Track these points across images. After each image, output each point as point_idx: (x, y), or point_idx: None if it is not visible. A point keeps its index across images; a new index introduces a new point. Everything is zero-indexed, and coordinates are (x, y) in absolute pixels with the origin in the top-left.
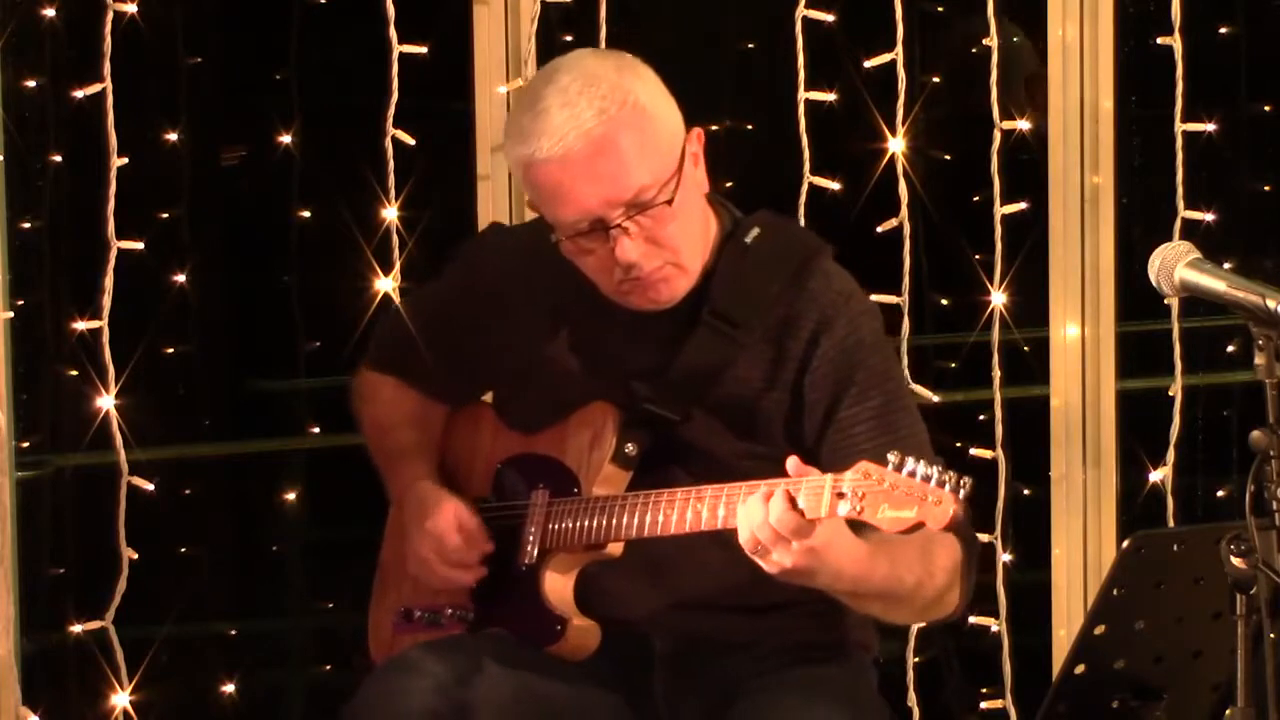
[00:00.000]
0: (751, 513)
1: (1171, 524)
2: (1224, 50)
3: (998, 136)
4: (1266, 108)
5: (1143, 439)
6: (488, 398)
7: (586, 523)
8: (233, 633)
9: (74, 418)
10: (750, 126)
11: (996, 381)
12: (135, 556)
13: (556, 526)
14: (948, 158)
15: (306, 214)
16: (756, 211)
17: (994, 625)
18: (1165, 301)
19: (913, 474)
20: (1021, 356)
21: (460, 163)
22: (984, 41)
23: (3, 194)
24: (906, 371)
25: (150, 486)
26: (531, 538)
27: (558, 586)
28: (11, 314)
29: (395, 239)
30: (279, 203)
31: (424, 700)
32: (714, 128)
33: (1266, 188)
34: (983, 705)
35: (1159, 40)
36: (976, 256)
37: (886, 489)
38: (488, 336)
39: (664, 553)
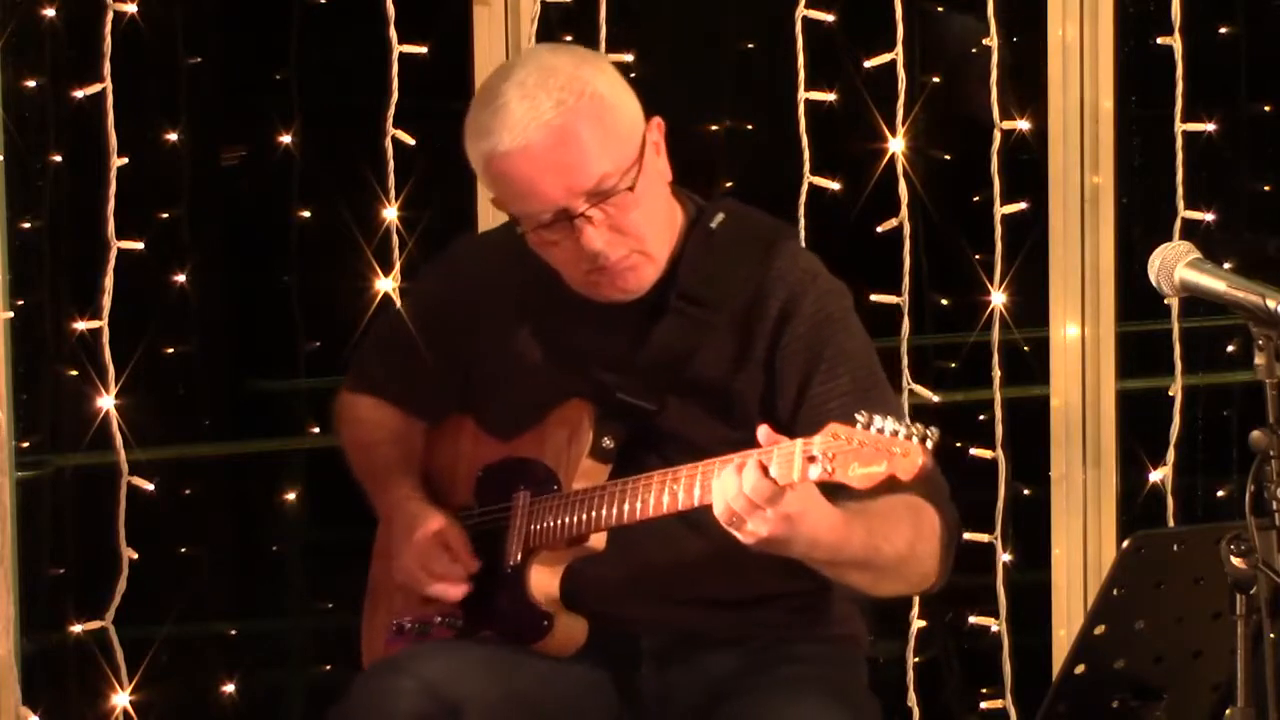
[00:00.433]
0: (725, 484)
1: (1171, 524)
2: (1224, 50)
3: (998, 136)
4: (1266, 108)
5: (1143, 439)
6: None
7: (567, 518)
8: (233, 633)
9: (74, 418)
10: (750, 126)
11: (996, 381)
12: (135, 556)
13: (538, 525)
14: (948, 158)
15: (306, 214)
16: (720, 199)
17: (994, 625)
18: (1165, 301)
19: (881, 430)
20: (1021, 356)
21: (460, 163)
22: (984, 41)
23: (3, 194)
24: (906, 372)
25: (150, 486)
26: (515, 539)
27: (543, 583)
28: (11, 314)
29: (395, 239)
30: (279, 203)
31: (412, 701)
32: (714, 128)
33: (1266, 188)
34: (983, 705)
35: (1159, 40)
36: (976, 256)
37: (855, 447)
38: (461, 344)
39: (648, 546)
